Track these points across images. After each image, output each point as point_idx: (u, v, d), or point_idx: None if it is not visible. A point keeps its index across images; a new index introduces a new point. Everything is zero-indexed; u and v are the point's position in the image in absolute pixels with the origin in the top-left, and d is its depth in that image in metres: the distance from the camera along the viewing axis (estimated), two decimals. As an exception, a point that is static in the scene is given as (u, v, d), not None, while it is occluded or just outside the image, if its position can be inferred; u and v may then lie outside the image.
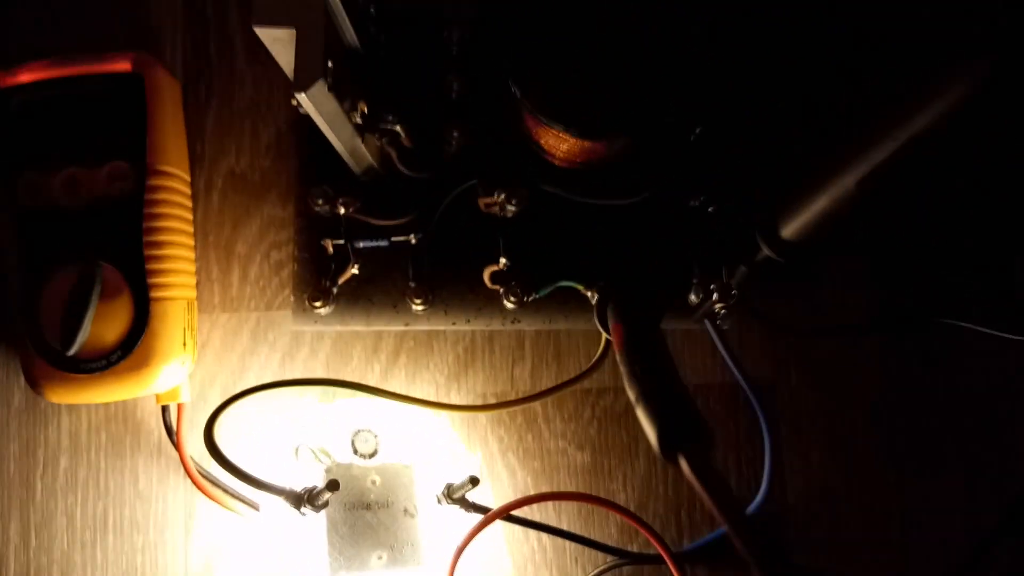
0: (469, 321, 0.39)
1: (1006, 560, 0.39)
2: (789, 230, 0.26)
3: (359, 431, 0.35)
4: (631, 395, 0.21)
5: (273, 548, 0.33)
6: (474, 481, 0.34)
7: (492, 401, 0.39)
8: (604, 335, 0.33)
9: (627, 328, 0.23)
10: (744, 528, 0.16)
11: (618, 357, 0.23)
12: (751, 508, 0.38)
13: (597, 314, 0.28)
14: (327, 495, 0.31)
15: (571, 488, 0.39)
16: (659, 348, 0.22)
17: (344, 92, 0.30)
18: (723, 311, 0.36)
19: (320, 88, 0.27)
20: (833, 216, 0.25)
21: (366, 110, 0.32)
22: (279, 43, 0.28)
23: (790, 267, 0.30)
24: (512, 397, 0.39)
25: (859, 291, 0.40)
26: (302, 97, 0.27)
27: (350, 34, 0.30)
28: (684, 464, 0.18)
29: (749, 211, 0.32)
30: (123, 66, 0.36)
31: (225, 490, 0.37)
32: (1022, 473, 0.40)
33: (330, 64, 0.27)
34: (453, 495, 0.35)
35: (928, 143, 0.21)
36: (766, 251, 0.27)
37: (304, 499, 0.31)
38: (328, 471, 0.33)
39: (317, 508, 0.31)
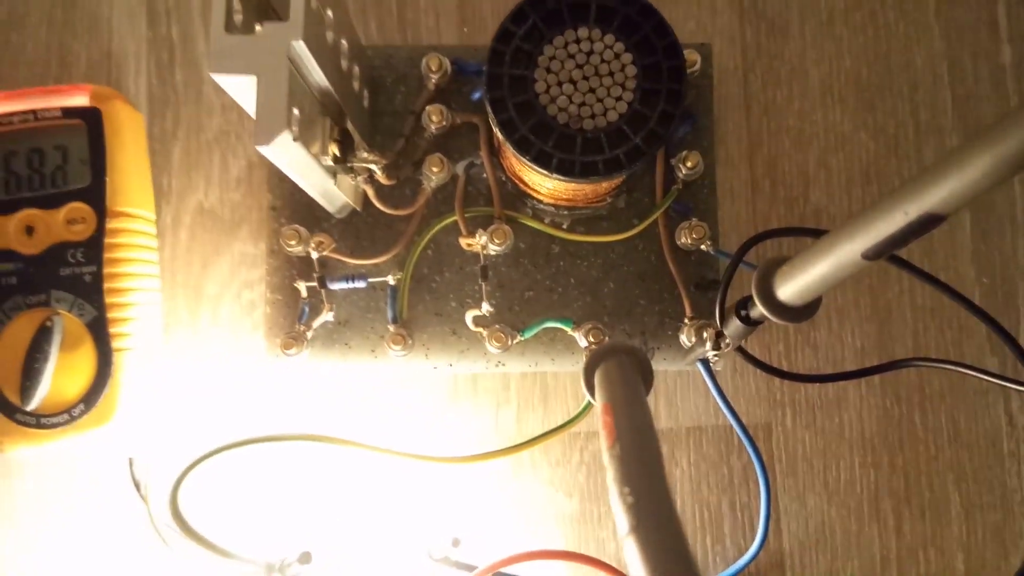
0: (451, 365, 0.37)
1: (1008, 604, 0.38)
2: (786, 293, 0.25)
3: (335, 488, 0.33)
4: (623, 523, 0.19)
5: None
6: (456, 543, 0.32)
7: (476, 446, 0.38)
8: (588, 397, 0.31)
9: (619, 423, 0.21)
10: None
11: (605, 456, 0.21)
12: (748, 555, 0.37)
13: (584, 378, 0.26)
14: (299, 567, 0.29)
15: (559, 537, 0.37)
16: (657, 459, 0.21)
17: (312, 136, 0.28)
18: (716, 358, 0.34)
19: (284, 140, 0.25)
20: (834, 281, 0.23)
21: (338, 152, 0.30)
22: (240, 88, 0.26)
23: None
24: (496, 441, 0.38)
25: (856, 331, 0.39)
26: (266, 151, 0.25)
27: (319, 75, 0.27)
28: None
29: (741, 262, 0.30)
30: (81, 100, 0.34)
31: (196, 542, 0.35)
32: (1022, 512, 0.38)
33: (296, 112, 0.25)
34: (435, 555, 0.33)
35: (940, 220, 0.19)
36: (762, 310, 0.26)
37: (276, 569, 0.29)
38: (304, 536, 0.31)
39: (289, 578, 0.29)
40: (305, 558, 0.29)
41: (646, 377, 0.25)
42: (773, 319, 0.26)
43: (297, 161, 0.27)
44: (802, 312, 0.26)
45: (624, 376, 0.24)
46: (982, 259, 0.40)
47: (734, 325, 0.29)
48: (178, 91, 0.39)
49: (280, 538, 0.32)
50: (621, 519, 0.19)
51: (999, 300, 0.39)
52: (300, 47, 0.25)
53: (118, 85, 0.39)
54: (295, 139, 0.25)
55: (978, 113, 0.40)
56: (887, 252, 0.21)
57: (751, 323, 0.28)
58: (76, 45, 0.39)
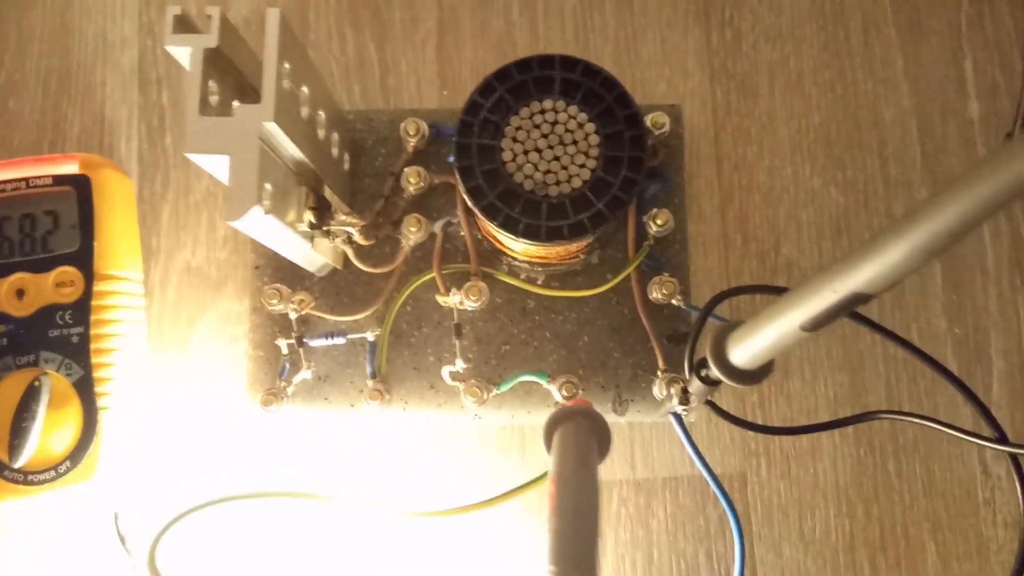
0: (429, 419, 0.38)
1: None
2: (738, 357, 0.26)
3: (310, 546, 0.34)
4: (549, 552, 0.20)
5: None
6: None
7: (455, 498, 0.38)
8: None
9: (562, 467, 0.22)
10: None
11: (547, 523, 0.22)
12: (723, 606, 0.37)
13: (545, 439, 0.27)
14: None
15: (538, 587, 0.38)
16: (591, 503, 0.21)
17: (286, 206, 0.29)
18: (685, 413, 0.35)
19: (255, 214, 0.26)
20: (781, 349, 0.24)
21: (313, 219, 0.31)
22: (214, 165, 0.27)
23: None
24: (476, 494, 0.38)
25: (829, 379, 0.39)
26: (238, 226, 0.26)
27: (293, 149, 0.29)
28: None
29: (706, 319, 0.31)
30: (71, 168, 0.36)
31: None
32: (998, 561, 0.39)
33: (268, 187, 0.27)
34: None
35: (867, 299, 0.20)
36: (717, 374, 0.27)
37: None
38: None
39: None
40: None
41: (603, 440, 0.26)
42: (728, 382, 0.27)
43: (271, 232, 0.29)
44: (755, 375, 0.26)
45: (576, 443, 0.25)
46: (953, 310, 0.40)
47: (696, 384, 0.30)
48: (167, 154, 0.40)
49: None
50: (548, 547, 0.20)
51: (971, 350, 0.40)
52: (272, 127, 0.27)
53: (110, 149, 0.40)
54: (266, 212, 0.27)
55: (947, 167, 0.41)
56: (823, 325, 0.22)
57: (710, 383, 0.29)
58: (70, 111, 0.41)
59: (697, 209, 0.40)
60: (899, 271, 0.18)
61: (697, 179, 0.41)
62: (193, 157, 0.26)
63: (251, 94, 0.29)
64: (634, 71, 0.41)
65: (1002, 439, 0.32)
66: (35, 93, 0.41)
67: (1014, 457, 0.32)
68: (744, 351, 0.26)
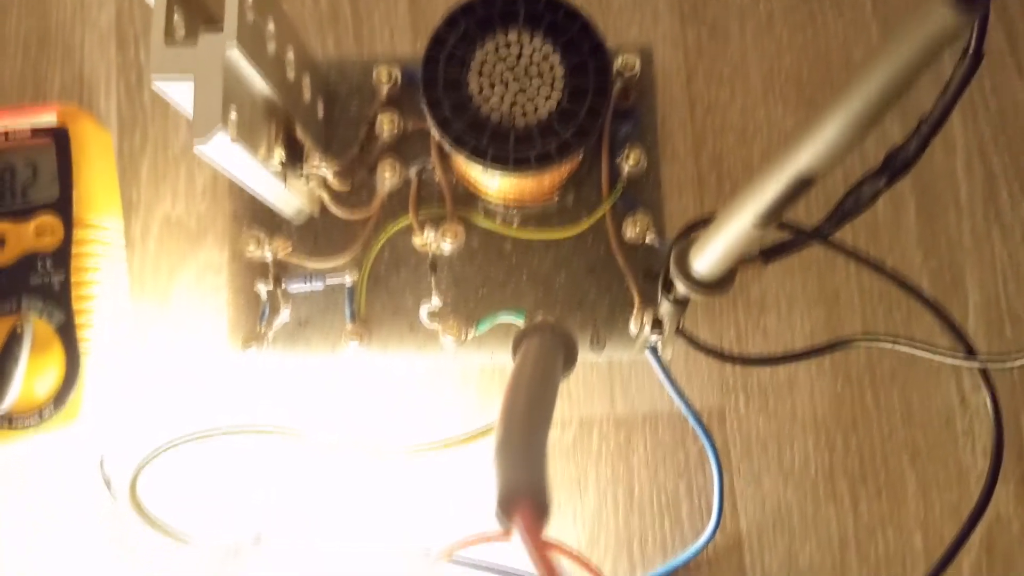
0: (410, 360, 0.38)
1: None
2: (700, 267, 0.26)
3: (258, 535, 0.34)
4: (496, 437, 0.20)
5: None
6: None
7: (438, 438, 0.39)
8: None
9: (519, 372, 0.22)
10: None
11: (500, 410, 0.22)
12: (704, 537, 0.37)
13: (512, 350, 0.28)
14: (252, 550, 0.30)
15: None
16: (541, 404, 0.22)
17: (256, 139, 0.30)
18: (659, 342, 0.35)
19: (221, 139, 0.26)
20: (738, 254, 0.24)
21: (284, 157, 0.32)
22: (181, 95, 0.27)
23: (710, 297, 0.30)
24: (459, 434, 0.39)
25: (805, 313, 0.40)
26: (203, 150, 0.26)
27: (259, 82, 0.29)
28: (519, 529, 0.17)
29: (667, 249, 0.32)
30: (49, 118, 0.36)
31: (160, 536, 0.36)
32: (978, 490, 0.39)
33: (233, 114, 0.27)
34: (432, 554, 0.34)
35: (813, 182, 0.20)
36: (681, 287, 0.27)
37: (232, 551, 0.30)
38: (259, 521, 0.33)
39: (242, 561, 0.30)
40: (257, 539, 0.30)
41: (569, 354, 0.27)
42: (693, 294, 0.27)
43: (240, 163, 0.29)
44: (718, 285, 0.27)
45: (543, 345, 0.25)
46: (928, 242, 0.41)
47: (665, 306, 0.31)
48: (146, 110, 0.41)
49: (240, 524, 0.33)
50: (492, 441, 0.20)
51: (946, 282, 0.40)
52: (235, 54, 0.27)
53: (90, 106, 0.41)
54: (233, 140, 0.27)
55: (917, 104, 0.41)
56: (772, 219, 0.22)
57: (679, 302, 0.30)
58: (50, 71, 0.41)
59: (671, 151, 0.41)
60: (837, 147, 0.19)
61: (670, 122, 0.41)
62: (160, 86, 0.27)
63: (216, 28, 0.29)
64: (605, 16, 0.41)
65: (971, 354, 0.32)
66: (15, 55, 0.41)
67: (984, 372, 0.33)
68: (704, 260, 0.26)
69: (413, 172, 0.38)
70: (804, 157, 0.20)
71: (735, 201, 0.23)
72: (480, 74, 0.32)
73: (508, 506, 0.17)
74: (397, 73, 0.38)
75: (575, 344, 0.27)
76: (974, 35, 0.22)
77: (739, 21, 0.42)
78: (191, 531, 0.31)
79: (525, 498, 0.17)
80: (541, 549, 0.16)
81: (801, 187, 0.21)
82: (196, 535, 0.31)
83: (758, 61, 0.42)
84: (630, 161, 0.38)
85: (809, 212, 0.40)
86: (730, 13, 0.42)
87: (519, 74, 0.32)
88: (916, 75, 0.17)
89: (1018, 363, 0.28)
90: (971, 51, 0.22)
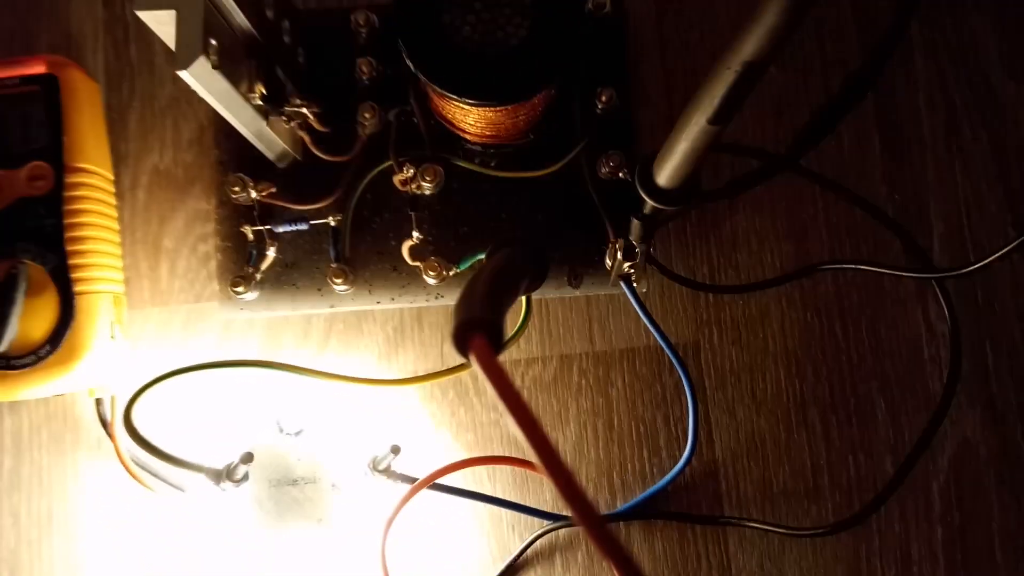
0: (394, 299, 0.40)
1: (938, 501, 0.40)
2: (663, 178, 0.27)
3: (284, 409, 0.35)
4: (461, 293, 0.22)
5: (202, 527, 0.34)
6: (395, 450, 0.34)
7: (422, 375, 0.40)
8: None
9: (488, 261, 0.24)
10: (525, 416, 0.17)
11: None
12: (680, 464, 0.39)
13: (486, 256, 0.29)
14: (243, 468, 0.31)
15: (503, 452, 0.40)
16: (509, 275, 0.23)
17: (237, 73, 0.31)
18: (632, 271, 0.37)
19: (202, 65, 0.28)
20: (697, 157, 0.26)
21: (264, 91, 0.33)
22: (164, 27, 0.28)
23: (681, 213, 0.31)
24: (440, 371, 0.40)
25: (775, 248, 0.41)
26: (184, 75, 0.28)
27: (240, 17, 0.30)
28: (477, 359, 0.18)
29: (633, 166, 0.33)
30: (38, 68, 0.37)
31: (159, 477, 0.38)
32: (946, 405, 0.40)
33: (213, 43, 0.28)
34: (378, 466, 0.35)
35: (760, 68, 0.21)
36: (648, 201, 0.28)
37: (223, 475, 0.31)
38: (253, 449, 0.34)
39: (237, 482, 0.32)
40: (247, 457, 0.31)
41: (539, 265, 0.28)
42: (659, 205, 0.29)
43: (221, 93, 0.30)
44: (682, 194, 0.28)
45: (515, 254, 0.26)
46: (893, 177, 0.42)
47: (634, 225, 0.32)
48: (133, 64, 0.42)
49: (229, 452, 0.34)
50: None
51: (912, 214, 0.42)
52: (215, -16, 0.28)
53: (78, 62, 0.42)
54: (214, 67, 0.28)
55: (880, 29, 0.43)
56: (727, 114, 0.23)
57: (646, 219, 0.31)
58: (38, 27, 0.42)
59: (644, 93, 0.42)
60: (781, 26, 0.20)
61: (642, 63, 0.42)
62: (143, 15, 0.28)
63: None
64: (576, -36, 0.42)
65: (927, 266, 0.34)
66: (2, 14, 0.42)
67: (942, 284, 0.34)
68: (667, 169, 0.27)
69: (392, 115, 0.39)
70: (750, 44, 0.21)
71: (692, 100, 0.24)
72: (452, 5, 0.33)
73: (464, 334, 0.19)
74: (374, 17, 0.39)
75: (545, 258, 0.28)
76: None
77: (707, -34, 0.43)
78: (185, 456, 0.32)
79: (481, 329, 0.19)
80: (496, 371, 0.17)
81: (751, 74, 0.22)
82: (191, 460, 0.32)
83: (725, 3, 0.43)
84: (603, 99, 0.39)
85: (778, 147, 0.42)
86: (699, -42, 0.43)
87: (489, 4, 0.33)
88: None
89: (969, 269, 0.29)
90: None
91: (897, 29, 0.27)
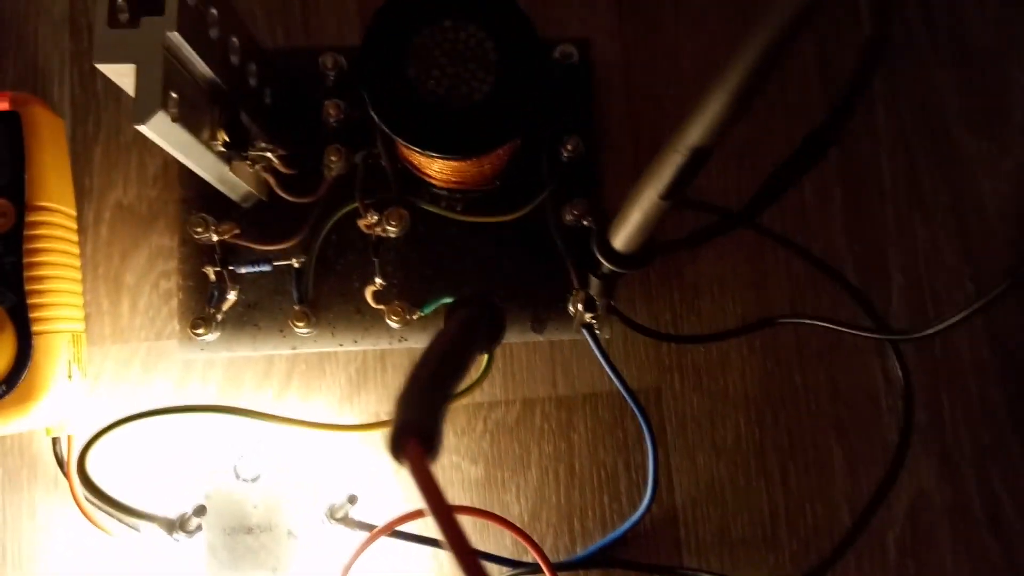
0: (356, 342, 0.39)
1: (893, 549, 0.40)
2: (619, 243, 0.28)
3: (242, 455, 0.35)
4: (400, 390, 0.22)
5: (155, 574, 0.34)
6: (352, 499, 0.34)
7: (385, 420, 0.40)
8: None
9: (439, 335, 0.24)
10: (453, 531, 0.17)
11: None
12: (640, 510, 0.39)
13: (444, 322, 0.29)
14: (196, 520, 0.31)
15: (465, 501, 0.40)
16: (454, 363, 0.23)
17: (198, 122, 0.31)
18: (593, 321, 0.37)
19: (161, 120, 0.28)
20: (650, 226, 0.26)
21: (226, 139, 0.33)
22: (124, 78, 0.28)
23: (634, 272, 0.31)
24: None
25: (736, 297, 0.42)
26: (143, 129, 0.28)
27: (201, 66, 0.30)
28: (409, 466, 0.18)
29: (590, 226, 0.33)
30: (1, 105, 0.37)
31: (110, 513, 0.37)
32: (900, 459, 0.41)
33: (174, 95, 0.28)
34: (336, 515, 0.35)
35: (707, 153, 0.22)
36: (604, 263, 0.28)
37: (176, 525, 0.31)
38: (207, 498, 0.34)
39: (190, 533, 0.31)
40: (200, 510, 0.31)
41: (494, 325, 0.28)
42: (615, 268, 0.29)
43: (181, 144, 0.30)
44: (638, 259, 0.28)
45: (469, 318, 0.26)
46: (853, 228, 0.43)
47: (593, 282, 0.32)
48: (99, 98, 0.42)
49: (184, 500, 0.34)
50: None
51: (872, 266, 0.42)
52: (176, 38, 0.28)
53: (43, 94, 0.41)
54: (174, 120, 0.28)
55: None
56: (678, 191, 0.24)
57: (604, 277, 0.31)
58: (4, 60, 0.42)
59: (611, 140, 0.42)
60: (724, 117, 0.20)
61: (609, 111, 0.43)
62: (103, 68, 0.28)
63: (157, 13, 0.30)
64: (547, 9, 0.43)
65: (882, 328, 0.34)
66: (-32, 44, 0.42)
67: (895, 344, 0.35)
68: (622, 236, 0.28)
69: (359, 158, 0.39)
70: (696, 131, 0.21)
71: (643, 176, 0.24)
72: (418, 58, 0.33)
73: (399, 441, 0.19)
74: (343, 60, 0.39)
75: (502, 316, 0.29)
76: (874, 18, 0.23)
77: (674, 14, 0.44)
78: (139, 505, 0.32)
79: (415, 435, 0.19)
80: (427, 481, 0.17)
81: (698, 158, 0.22)
82: (144, 509, 0.32)
83: (692, 52, 0.44)
84: (569, 147, 0.39)
85: (740, 198, 0.42)
86: (665, 7, 0.44)
87: (455, 59, 0.33)
88: (786, 44, 0.18)
89: (925, 333, 0.30)
90: (875, 35, 0.24)
91: (856, 90, 0.28)
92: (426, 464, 0.18)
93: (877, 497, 0.36)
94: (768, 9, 0.18)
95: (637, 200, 0.25)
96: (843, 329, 0.35)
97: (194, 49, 0.29)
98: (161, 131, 0.28)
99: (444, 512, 0.17)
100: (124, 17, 0.29)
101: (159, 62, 0.28)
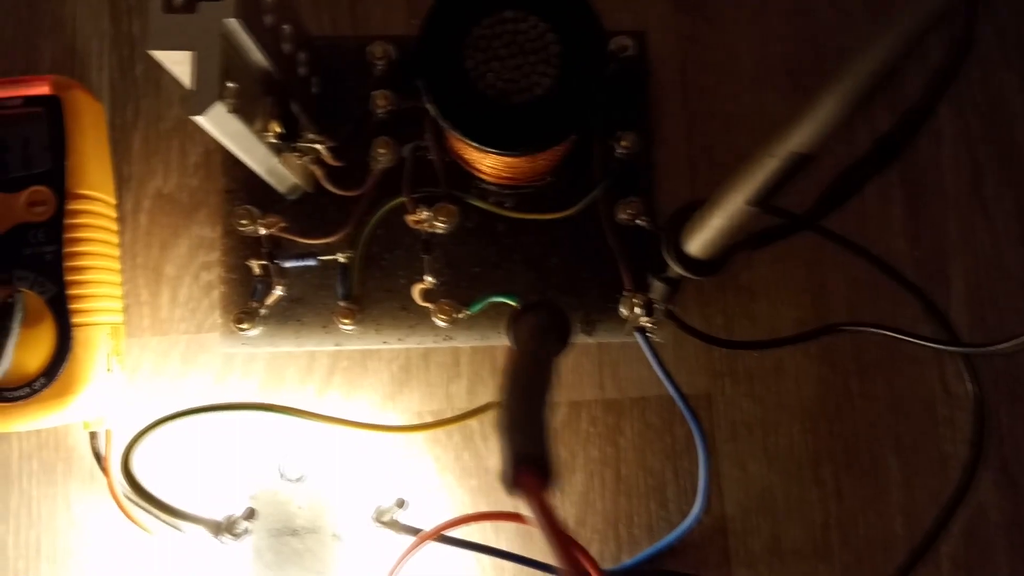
0: (401, 340, 0.38)
1: (946, 564, 0.39)
2: (694, 247, 0.26)
3: (286, 455, 0.34)
4: (499, 413, 0.21)
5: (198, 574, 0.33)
6: (400, 503, 0.33)
7: (429, 419, 0.39)
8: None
9: (516, 354, 0.23)
10: (574, 566, 0.16)
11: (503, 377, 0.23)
12: (689, 519, 0.38)
13: (507, 330, 0.28)
14: (244, 524, 0.30)
15: (509, 507, 0.39)
16: (540, 382, 0.22)
17: (252, 112, 0.30)
18: (651, 325, 0.36)
19: (218, 111, 0.26)
20: (733, 233, 0.25)
21: (279, 130, 0.32)
22: (178, 65, 0.27)
23: (707, 279, 0.30)
24: (449, 414, 0.39)
25: (792, 301, 0.40)
26: (200, 120, 0.26)
27: (257, 54, 0.29)
28: (527, 498, 0.17)
29: (660, 227, 0.32)
30: (41, 89, 0.36)
31: (152, 514, 0.36)
32: (957, 476, 0.40)
33: (231, 85, 0.27)
34: (382, 518, 0.34)
35: (807, 160, 0.20)
36: (674, 267, 0.27)
37: (223, 528, 0.30)
38: (253, 499, 0.33)
39: (237, 536, 0.31)
40: (250, 514, 0.30)
41: (561, 332, 0.27)
42: (686, 275, 0.28)
43: (236, 135, 0.29)
44: (712, 266, 0.27)
45: (537, 326, 0.25)
46: (913, 232, 0.41)
47: (657, 287, 0.31)
48: (138, 84, 0.41)
49: (229, 501, 0.33)
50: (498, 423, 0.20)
51: (931, 271, 0.41)
52: (234, 25, 0.27)
53: (81, 79, 0.40)
54: (230, 111, 0.27)
55: (904, 92, 0.42)
56: (768, 197, 0.23)
57: (671, 282, 0.30)
58: (41, 42, 0.41)
59: (664, 137, 0.41)
60: (836, 122, 0.19)
61: (663, 106, 0.41)
62: (157, 55, 0.27)
63: (215, -1, 0.29)
64: (599, 1, 0.41)
65: (956, 341, 0.33)
66: (4, 25, 0.41)
67: (968, 359, 0.33)
68: (698, 239, 0.26)
69: (407, 150, 0.38)
70: (800, 135, 0.20)
71: (731, 179, 0.23)
72: (477, 50, 0.32)
73: (514, 473, 0.18)
74: (392, 50, 0.38)
75: (568, 323, 0.27)
76: (964, 21, 0.22)
77: (732, 7, 0.42)
78: (184, 507, 0.31)
79: (530, 467, 0.18)
80: (547, 513, 0.16)
81: (797, 164, 0.21)
82: (189, 511, 0.31)
83: (749, 48, 0.42)
84: (623, 144, 0.38)
85: (802, 199, 0.41)
86: (722, 0, 0.42)
87: (515, 51, 0.32)
88: (909, 50, 0.17)
89: (1000, 347, 0.28)
90: (961, 37, 0.22)
91: (933, 97, 0.26)
92: (544, 496, 0.17)
93: (943, 515, 0.35)
94: (902, 7, 0.16)
95: (721, 204, 0.24)
96: (914, 340, 0.34)
97: (250, 36, 0.28)
98: (217, 122, 0.27)
99: (565, 546, 0.16)
100: (179, 2, 0.28)
101: (218, 50, 0.26)
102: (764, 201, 0.23)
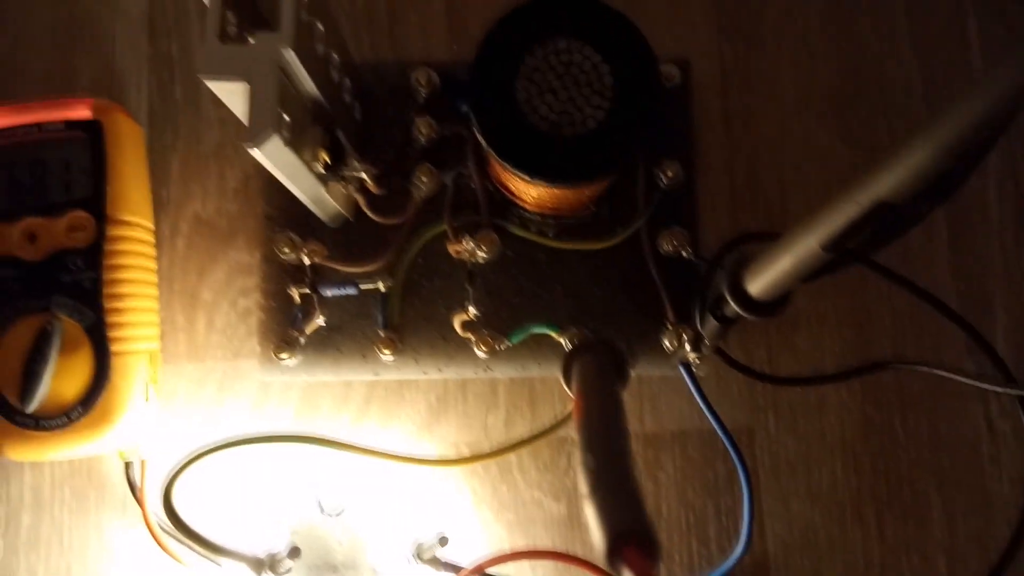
0: (441, 370, 0.38)
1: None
2: (756, 287, 0.26)
3: (325, 488, 0.34)
4: (583, 487, 0.20)
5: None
6: (443, 541, 0.32)
7: (465, 451, 0.38)
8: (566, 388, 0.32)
9: (588, 404, 0.22)
10: None
11: (577, 433, 0.22)
12: (733, 558, 0.37)
13: (562, 371, 0.27)
14: (289, 563, 0.29)
15: (547, 541, 0.38)
16: (621, 434, 0.21)
17: (303, 143, 0.29)
18: (697, 360, 0.35)
19: (275, 143, 0.26)
20: (799, 276, 0.24)
21: (328, 160, 0.31)
22: (230, 94, 0.27)
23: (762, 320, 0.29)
24: (486, 446, 0.38)
25: (836, 333, 0.40)
26: (256, 152, 0.26)
27: (309, 84, 0.29)
28: (632, 571, 0.17)
29: (718, 264, 0.31)
30: (83, 112, 0.36)
31: (191, 547, 0.36)
32: (1003, 518, 0.39)
33: (286, 117, 0.27)
34: (423, 555, 0.33)
35: (890, 209, 0.20)
36: (734, 307, 0.27)
37: (265, 565, 0.30)
38: (293, 533, 0.32)
39: (280, 575, 0.30)
40: (295, 553, 0.30)
41: (621, 370, 0.26)
42: (745, 315, 0.27)
43: (288, 165, 0.29)
44: (773, 307, 0.27)
45: (598, 367, 0.25)
46: (958, 265, 0.41)
47: (710, 325, 0.30)
48: (178, 106, 0.40)
49: (269, 536, 0.32)
50: (582, 482, 0.20)
51: (976, 305, 0.40)
52: (290, 55, 0.27)
53: (120, 100, 0.40)
54: (285, 143, 0.27)
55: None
56: (844, 243, 0.22)
57: (726, 321, 0.29)
58: (80, 62, 0.40)
59: (706, 165, 0.41)
60: (924, 171, 0.19)
61: (706, 134, 0.41)
62: (211, 84, 0.27)
63: (266, 28, 0.29)
64: (642, 25, 0.41)
65: (1010, 381, 0.32)
66: (44, 45, 0.41)
67: (1021, 399, 0.33)
68: (762, 280, 0.26)
69: (449, 178, 0.38)
70: (885, 182, 0.19)
71: (803, 223, 0.23)
72: (529, 80, 0.31)
73: (617, 548, 0.17)
74: (436, 77, 0.38)
75: (624, 356, 0.27)
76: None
77: (775, 33, 0.42)
78: (224, 543, 0.30)
79: (632, 538, 0.17)
80: None
81: (881, 212, 0.20)
82: (230, 547, 0.30)
83: (793, 74, 0.42)
84: (668, 174, 0.37)
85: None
86: (766, 25, 0.42)
87: (568, 83, 0.31)
88: (1018, 106, 0.17)
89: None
90: None
91: (989, 138, 0.26)
92: (653, 570, 0.16)
93: (1003, 562, 0.34)
94: (1008, 59, 0.16)
95: (793, 247, 0.23)
96: (967, 381, 0.33)
97: (304, 66, 0.28)
98: (272, 154, 0.27)
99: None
100: (232, 29, 0.27)
101: (274, 80, 0.26)
102: (840, 246, 0.22)
